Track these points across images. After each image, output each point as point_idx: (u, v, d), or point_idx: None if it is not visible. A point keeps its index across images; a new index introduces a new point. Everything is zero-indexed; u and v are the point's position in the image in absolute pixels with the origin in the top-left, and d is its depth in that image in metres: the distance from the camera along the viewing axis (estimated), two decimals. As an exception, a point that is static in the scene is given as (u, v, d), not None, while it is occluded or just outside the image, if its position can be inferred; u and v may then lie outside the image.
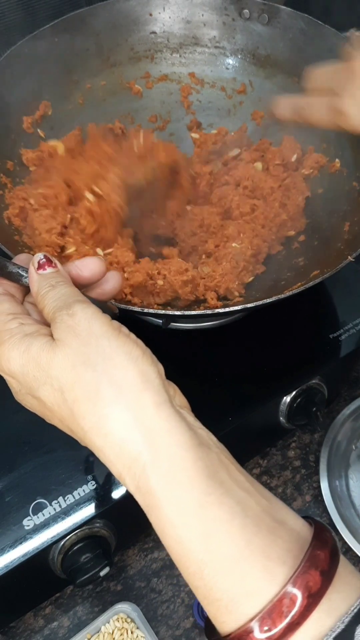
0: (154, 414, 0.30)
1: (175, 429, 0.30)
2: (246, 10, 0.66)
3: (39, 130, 0.61)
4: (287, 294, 0.45)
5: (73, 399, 0.30)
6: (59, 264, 0.36)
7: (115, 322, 0.33)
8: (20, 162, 0.58)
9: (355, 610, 0.27)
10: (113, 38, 0.67)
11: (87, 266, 0.37)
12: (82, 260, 0.38)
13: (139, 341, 0.33)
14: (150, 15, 0.68)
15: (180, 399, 0.34)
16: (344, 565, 0.29)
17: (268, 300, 0.44)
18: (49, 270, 0.36)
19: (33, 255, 0.37)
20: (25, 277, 0.37)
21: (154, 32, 0.68)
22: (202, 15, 0.68)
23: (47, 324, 0.34)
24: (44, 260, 0.36)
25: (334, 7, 0.83)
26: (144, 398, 0.30)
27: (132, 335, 0.33)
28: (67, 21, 0.62)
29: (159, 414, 0.30)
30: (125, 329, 0.33)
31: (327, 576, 0.28)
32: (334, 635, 0.26)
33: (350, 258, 0.46)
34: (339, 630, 0.26)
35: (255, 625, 0.27)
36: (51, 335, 0.33)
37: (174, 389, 0.34)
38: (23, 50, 0.59)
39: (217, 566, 0.28)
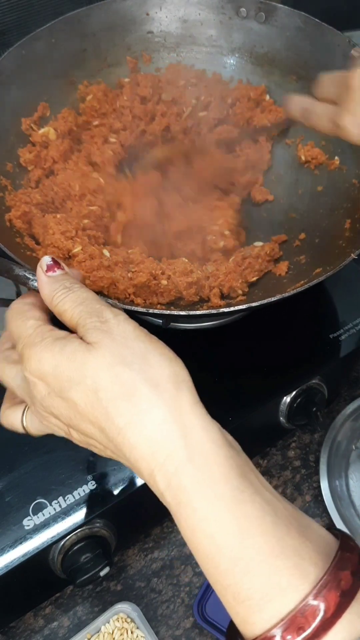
0: (190, 412, 0.31)
1: (209, 428, 0.31)
2: (243, 9, 0.65)
3: (38, 131, 0.62)
4: (291, 292, 0.44)
5: (109, 397, 0.31)
6: (66, 267, 0.36)
7: (144, 329, 0.34)
8: (19, 164, 0.58)
9: None
10: (110, 38, 0.67)
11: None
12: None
13: (168, 346, 0.34)
14: (147, 14, 0.67)
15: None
16: None
17: (272, 299, 0.43)
18: (58, 272, 0.36)
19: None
20: (32, 280, 0.37)
21: (150, 32, 0.68)
22: (199, 14, 0.67)
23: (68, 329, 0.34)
24: (52, 262, 0.36)
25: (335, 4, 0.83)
26: (180, 396, 0.31)
27: (162, 341, 0.34)
28: (64, 22, 0.62)
29: (194, 412, 0.31)
30: (154, 336, 0.34)
31: (359, 577, 0.28)
32: None
33: (353, 255, 0.46)
34: None
35: (288, 625, 0.27)
36: (81, 339, 0.33)
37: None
38: (20, 52, 0.59)
39: (250, 563, 0.28)
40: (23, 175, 0.58)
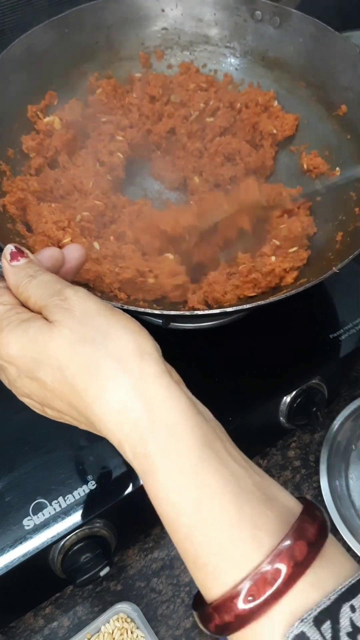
0: (153, 382, 0.31)
1: (175, 398, 0.31)
2: (258, 12, 0.66)
3: (43, 119, 0.62)
4: (288, 294, 0.45)
5: (74, 374, 0.31)
6: (30, 254, 0.37)
7: (109, 303, 0.34)
8: (21, 151, 0.59)
9: (344, 589, 0.27)
10: (124, 32, 0.67)
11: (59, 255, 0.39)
12: (47, 251, 0.39)
13: (133, 318, 0.34)
14: (163, 11, 0.68)
15: (176, 375, 0.35)
16: (334, 545, 0.30)
17: (263, 302, 0.44)
18: (22, 261, 0.36)
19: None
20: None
21: (165, 29, 0.69)
22: (215, 14, 0.68)
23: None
24: (15, 251, 0.37)
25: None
26: (143, 368, 0.31)
27: (126, 314, 0.34)
28: (78, 12, 0.63)
29: (158, 383, 0.31)
30: (118, 309, 0.34)
31: (314, 547, 0.28)
32: (319, 610, 0.26)
33: (334, 269, 0.46)
34: (324, 605, 0.26)
35: (240, 592, 0.27)
36: (46, 320, 0.33)
37: (170, 368, 0.34)
38: (32, 40, 0.59)
39: (206, 530, 0.29)
40: (24, 162, 0.59)
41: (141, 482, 0.49)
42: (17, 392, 0.36)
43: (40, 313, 0.34)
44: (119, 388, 0.31)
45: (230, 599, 0.27)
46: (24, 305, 0.36)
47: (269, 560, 0.27)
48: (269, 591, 0.27)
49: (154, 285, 0.52)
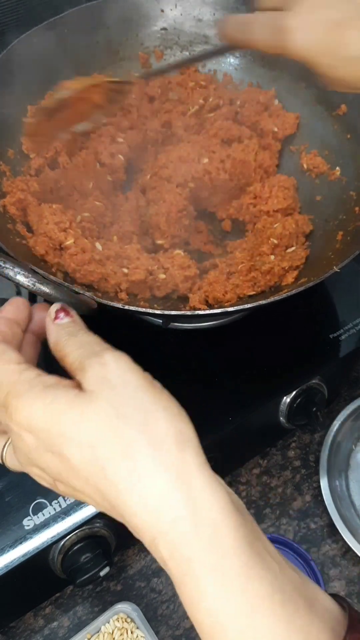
0: (195, 476, 0.28)
1: (217, 493, 0.28)
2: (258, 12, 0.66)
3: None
4: (285, 294, 0.45)
5: (107, 456, 0.28)
6: (75, 314, 0.36)
7: (148, 375, 0.31)
8: (20, 151, 0.59)
9: None
10: (123, 32, 0.67)
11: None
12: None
13: (172, 397, 0.31)
14: (162, 11, 0.68)
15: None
16: None
17: (263, 302, 0.44)
18: (66, 319, 0.35)
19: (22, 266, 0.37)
20: (4, 268, 0.37)
21: (164, 29, 0.69)
22: (214, 14, 0.68)
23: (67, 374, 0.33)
24: (61, 310, 0.35)
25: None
26: (185, 458, 0.29)
27: (166, 390, 0.31)
28: (78, 13, 0.63)
29: (199, 477, 0.28)
30: (157, 383, 0.31)
31: None
32: None
33: (335, 269, 0.46)
34: None
35: None
36: (76, 387, 0.30)
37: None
38: (31, 40, 0.59)
39: None
40: (24, 162, 0.59)
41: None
42: (27, 461, 0.32)
43: (73, 374, 0.32)
44: (157, 479, 0.28)
45: None
46: (60, 363, 0.33)
47: None
48: None
49: (164, 281, 0.52)
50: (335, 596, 0.31)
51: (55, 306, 0.36)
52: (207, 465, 0.29)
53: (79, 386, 0.31)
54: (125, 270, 0.51)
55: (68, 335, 0.33)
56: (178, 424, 0.30)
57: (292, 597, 0.28)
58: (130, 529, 0.29)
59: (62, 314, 0.35)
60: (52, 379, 0.31)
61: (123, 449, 0.28)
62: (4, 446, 0.35)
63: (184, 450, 0.29)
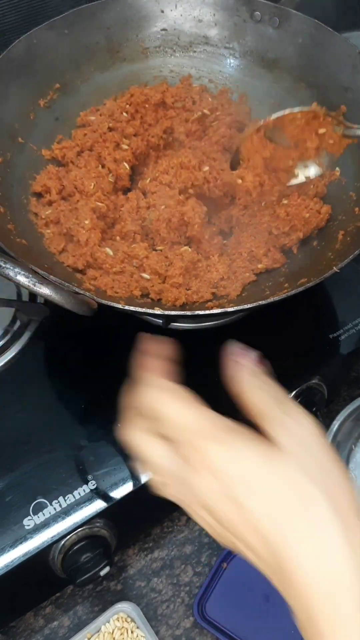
0: None
1: None
2: (257, 13, 0.66)
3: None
4: (284, 295, 0.45)
5: (288, 512, 0.29)
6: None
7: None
8: (18, 153, 0.59)
9: None
10: (124, 33, 0.67)
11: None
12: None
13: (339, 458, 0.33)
14: (162, 12, 0.68)
15: None
16: None
17: (263, 302, 0.44)
18: (256, 368, 0.36)
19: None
20: (4, 268, 0.37)
21: (164, 29, 0.69)
22: (214, 15, 0.68)
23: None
24: (257, 358, 0.36)
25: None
26: (356, 518, 0.29)
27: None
28: (78, 13, 0.63)
29: None
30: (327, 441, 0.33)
31: None
32: None
33: (335, 269, 0.46)
34: None
35: None
36: (263, 439, 0.31)
37: None
38: (32, 41, 0.60)
39: None
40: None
41: (142, 482, 0.49)
42: (194, 498, 0.32)
43: (254, 418, 0.33)
44: (337, 541, 0.28)
45: None
46: (242, 410, 0.34)
47: None
48: None
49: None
50: None
51: (254, 354, 0.37)
52: None
53: (263, 437, 0.31)
54: (144, 275, 0.52)
55: (259, 382, 0.35)
56: (350, 484, 0.30)
57: None
58: (282, 580, 0.29)
59: (258, 363, 0.36)
60: (232, 423, 0.32)
61: (304, 507, 0.29)
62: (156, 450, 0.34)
63: (356, 510, 0.29)
